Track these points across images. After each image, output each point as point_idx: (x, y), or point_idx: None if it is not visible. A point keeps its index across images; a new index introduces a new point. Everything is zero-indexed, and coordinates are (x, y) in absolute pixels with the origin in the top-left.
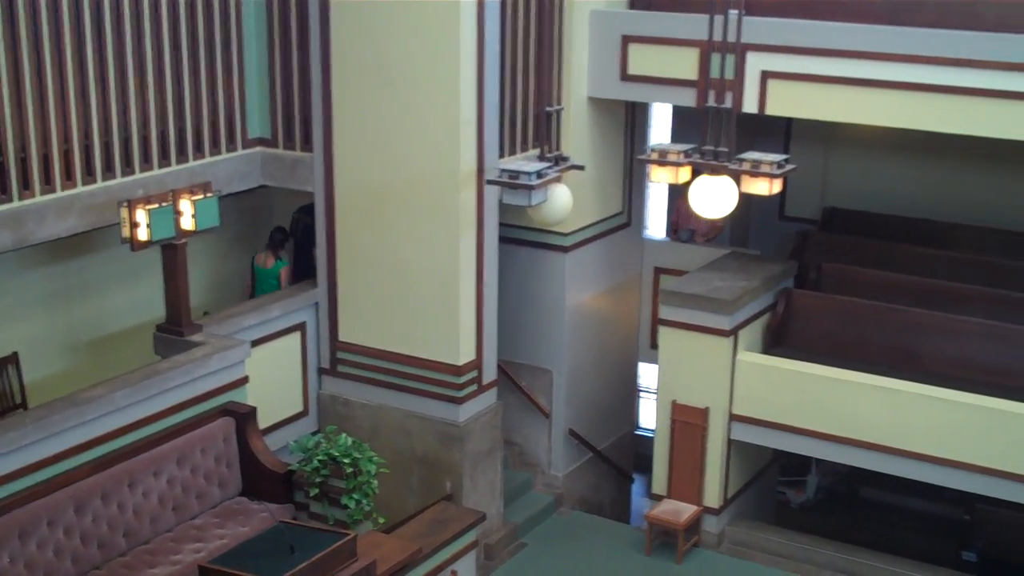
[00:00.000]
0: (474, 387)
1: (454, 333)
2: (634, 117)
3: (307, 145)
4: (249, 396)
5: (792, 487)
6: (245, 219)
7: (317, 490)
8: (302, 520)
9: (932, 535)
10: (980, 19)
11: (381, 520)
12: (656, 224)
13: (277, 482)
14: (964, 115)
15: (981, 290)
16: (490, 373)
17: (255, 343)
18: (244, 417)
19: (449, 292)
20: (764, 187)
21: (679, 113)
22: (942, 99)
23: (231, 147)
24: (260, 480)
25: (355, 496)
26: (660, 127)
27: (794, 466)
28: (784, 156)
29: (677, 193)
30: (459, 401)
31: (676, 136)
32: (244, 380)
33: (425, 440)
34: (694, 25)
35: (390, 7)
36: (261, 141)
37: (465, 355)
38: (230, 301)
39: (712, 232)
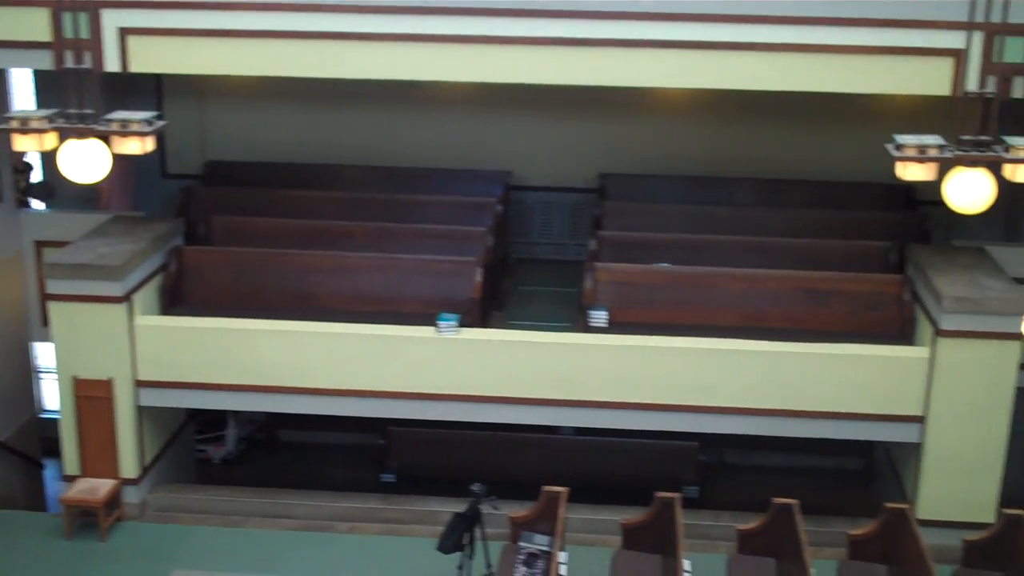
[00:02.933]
0: None
1: None
2: None
3: None
4: None
5: (212, 443)
6: None
7: None
8: None
9: (353, 464)
10: None
11: None
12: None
13: None
14: (323, 59)
15: (364, 225)
16: None
17: None
18: None
19: None
20: (136, 146)
21: (42, 77)
22: (298, 45)
23: None
24: None
25: None
26: (22, 93)
27: (211, 422)
28: (155, 113)
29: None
30: None
31: (42, 102)
32: None
33: None
34: None
35: None
36: None
37: None
38: None
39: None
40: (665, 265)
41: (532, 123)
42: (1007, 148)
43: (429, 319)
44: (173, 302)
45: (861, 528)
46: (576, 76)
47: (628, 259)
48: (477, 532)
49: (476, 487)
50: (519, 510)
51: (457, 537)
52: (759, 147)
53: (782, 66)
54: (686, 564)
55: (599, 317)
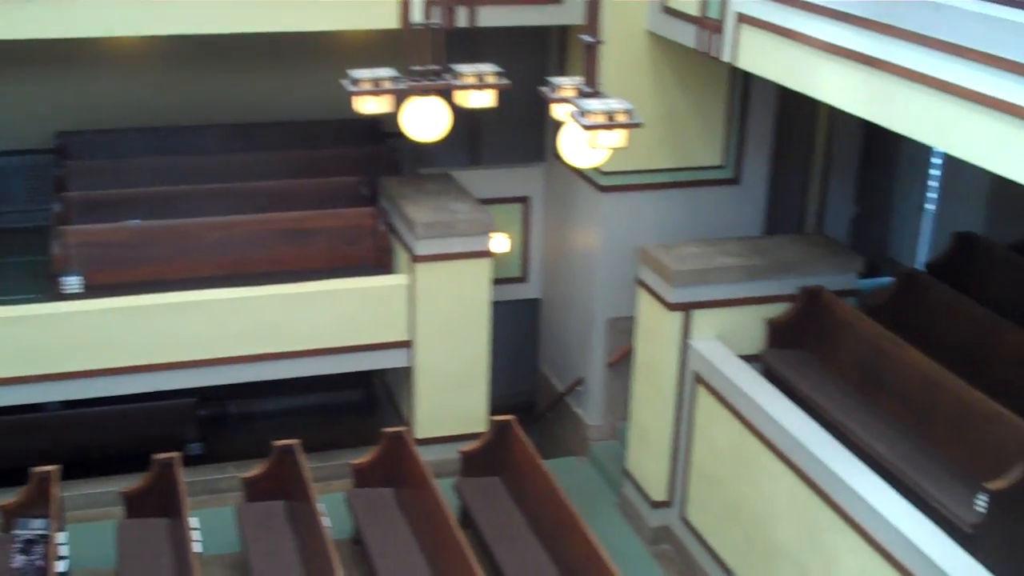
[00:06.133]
0: None
1: None
2: None
3: None
4: None
5: None
6: None
7: None
8: None
9: None
10: None
11: None
12: None
13: None
14: None
15: None
16: None
17: None
18: None
19: None
20: None
21: None
22: None
23: None
24: None
25: None
26: None
27: None
28: None
29: None
30: None
31: None
32: None
33: None
34: None
35: None
36: None
37: None
38: None
39: None
40: (137, 221)
41: None
42: (456, 76)
43: None
44: None
45: (363, 456)
46: None
47: (99, 220)
48: None
49: None
50: (8, 497)
51: None
52: (224, 92)
53: (228, 7)
54: (193, 522)
55: (71, 283)
